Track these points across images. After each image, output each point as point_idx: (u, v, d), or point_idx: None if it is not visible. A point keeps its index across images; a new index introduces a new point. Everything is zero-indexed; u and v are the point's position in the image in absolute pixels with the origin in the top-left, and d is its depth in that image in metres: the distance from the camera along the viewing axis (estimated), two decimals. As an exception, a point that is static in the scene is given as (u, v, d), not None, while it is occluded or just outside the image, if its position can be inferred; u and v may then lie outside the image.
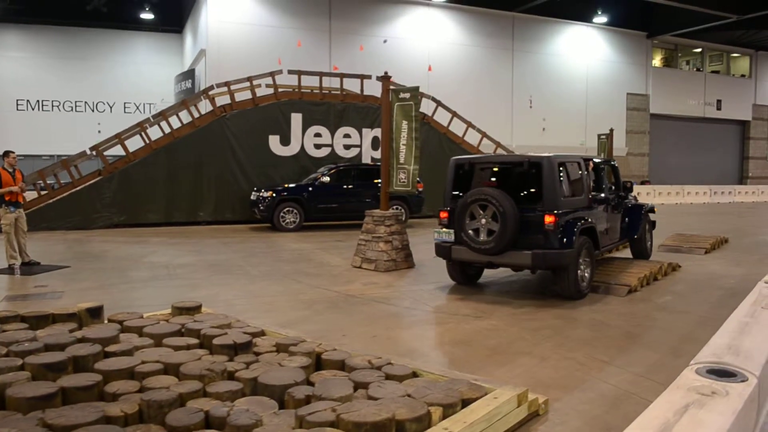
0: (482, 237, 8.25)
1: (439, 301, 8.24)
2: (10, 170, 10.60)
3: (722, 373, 2.15)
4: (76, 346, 4.66)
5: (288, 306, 7.92)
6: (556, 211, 8.04)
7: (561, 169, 8.43)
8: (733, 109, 37.67)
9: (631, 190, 11.04)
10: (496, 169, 8.99)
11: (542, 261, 8.11)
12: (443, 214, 8.93)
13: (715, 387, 2.01)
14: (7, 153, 10.85)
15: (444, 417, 3.76)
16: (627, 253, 11.78)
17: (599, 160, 10.22)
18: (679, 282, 9.76)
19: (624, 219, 10.66)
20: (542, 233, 8.05)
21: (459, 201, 8.54)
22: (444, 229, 8.84)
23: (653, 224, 11.76)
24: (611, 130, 24.28)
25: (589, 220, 8.72)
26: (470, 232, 8.35)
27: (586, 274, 8.56)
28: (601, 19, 30.97)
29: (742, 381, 2.09)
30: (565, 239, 8.10)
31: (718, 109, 36.96)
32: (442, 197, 9.10)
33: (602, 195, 9.66)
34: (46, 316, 5.56)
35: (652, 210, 11.49)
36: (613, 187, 10.45)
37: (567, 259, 8.06)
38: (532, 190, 8.35)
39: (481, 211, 8.25)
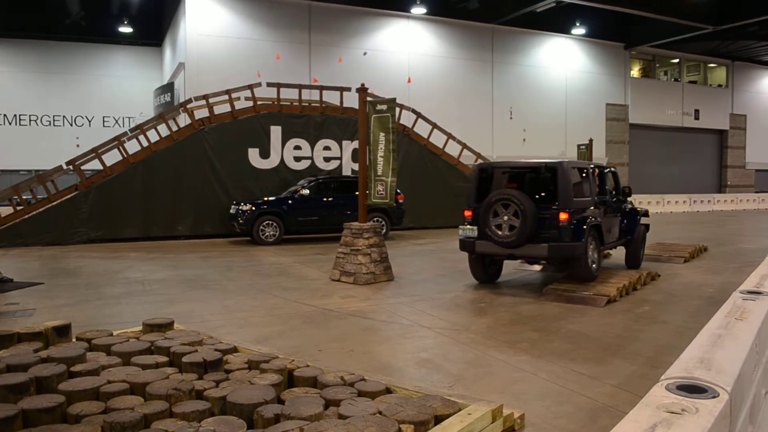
0: (505, 232, 9.34)
1: (417, 315, 8.16)
2: None
3: (693, 389, 2.08)
4: (40, 367, 4.52)
5: (264, 321, 7.80)
6: (568, 209, 9.19)
7: (573, 173, 9.58)
8: (710, 119, 38.09)
9: (629, 194, 11.81)
10: (515, 172, 10.14)
11: (557, 252, 9.30)
12: (467, 213, 9.99)
13: (684, 404, 1.94)
14: None
15: (416, 435, 3.67)
16: (611, 261, 11.77)
17: (603, 167, 11.28)
18: (658, 291, 9.75)
19: (623, 221, 11.52)
20: (557, 228, 9.19)
21: (483, 201, 9.63)
22: (468, 226, 9.91)
23: (647, 227, 12.33)
24: (591, 140, 24.39)
25: (596, 218, 9.86)
26: (494, 227, 9.42)
27: (595, 257, 9.82)
28: (579, 30, 31.21)
29: (713, 397, 2.02)
30: (576, 234, 9.29)
31: (696, 118, 37.35)
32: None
33: (605, 197, 10.71)
34: (10, 335, 5.39)
35: (645, 214, 12.15)
36: (614, 191, 11.35)
37: (578, 250, 9.26)
38: (548, 191, 9.51)
39: (504, 210, 9.34)
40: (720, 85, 39.59)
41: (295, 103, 19.45)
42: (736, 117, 39.57)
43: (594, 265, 9.71)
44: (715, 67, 39.44)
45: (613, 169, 11.65)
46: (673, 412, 1.87)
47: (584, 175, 10.12)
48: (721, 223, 24.62)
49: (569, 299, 8.93)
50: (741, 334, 2.81)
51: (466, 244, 9.95)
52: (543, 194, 9.53)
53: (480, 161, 21.93)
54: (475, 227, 9.78)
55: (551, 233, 9.20)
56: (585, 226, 9.36)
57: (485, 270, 10.45)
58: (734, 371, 2.28)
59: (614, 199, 11.16)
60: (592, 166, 10.65)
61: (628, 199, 11.93)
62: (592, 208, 9.91)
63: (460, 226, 10.08)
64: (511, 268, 12.10)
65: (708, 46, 35.72)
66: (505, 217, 9.33)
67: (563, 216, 9.14)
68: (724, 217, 28.26)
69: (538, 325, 7.56)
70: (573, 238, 9.23)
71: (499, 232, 9.35)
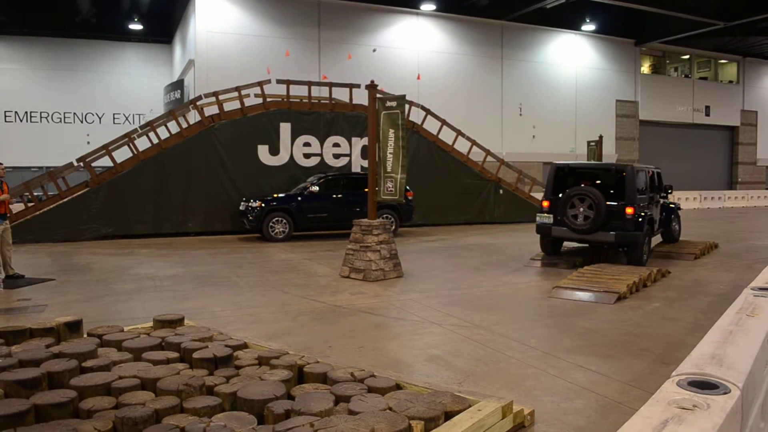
0: (580, 221, 11.38)
1: (426, 311, 8.16)
2: None
3: (704, 385, 2.07)
4: (52, 362, 4.56)
5: (273, 317, 7.82)
6: (634, 205, 11.21)
7: (637, 174, 11.61)
8: (721, 115, 37.80)
9: (671, 192, 14.21)
10: (588, 172, 12.49)
11: (623, 239, 11.27)
12: (545, 203, 12.11)
13: (696, 400, 1.93)
14: None
15: (426, 431, 3.67)
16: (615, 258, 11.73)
17: (653, 168, 13.34)
18: (668, 288, 9.72)
19: (662, 213, 13.96)
20: (623, 219, 11.20)
21: (558, 194, 11.80)
22: (545, 215, 11.97)
23: (679, 218, 15.05)
24: (600, 137, 24.28)
25: (650, 212, 11.92)
26: (570, 216, 11.44)
27: (646, 249, 11.79)
28: (589, 27, 31.05)
29: (725, 393, 2.01)
30: (638, 225, 11.27)
31: (707, 115, 37.07)
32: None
33: (656, 195, 13.00)
34: (23, 330, 5.44)
35: (678, 207, 15.08)
36: (658, 189, 13.47)
37: (640, 238, 11.26)
38: (616, 188, 11.60)
39: (580, 202, 11.38)
40: (731, 82, 39.29)
41: (304, 100, 19.44)
42: (747, 113, 39.26)
43: (645, 254, 11.64)
44: (726, 63, 39.13)
45: (659, 170, 13.69)
46: (684, 408, 1.86)
47: (645, 176, 12.20)
48: (732, 220, 24.48)
49: (579, 296, 8.92)
50: (752, 330, 2.80)
51: (542, 229, 12.03)
52: (611, 191, 11.57)
53: (489, 158, 21.91)
54: (551, 215, 11.83)
55: (618, 223, 11.20)
56: (645, 219, 11.37)
57: (553, 247, 12.55)
58: (746, 367, 2.27)
59: (659, 196, 13.45)
60: (648, 168, 12.78)
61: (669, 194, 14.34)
62: (647, 203, 11.93)
63: (538, 214, 12.20)
64: (519, 265, 12.11)
65: (719, 42, 35.41)
66: (581, 209, 11.36)
67: (629, 210, 11.16)
68: (734, 214, 28.10)
69: (547, 322, 7.55)
70: (636, 228, 11.20)
71: (576, 221, 11.38)
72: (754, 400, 2.34)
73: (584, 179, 12.11)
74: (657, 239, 14.49)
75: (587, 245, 13.14)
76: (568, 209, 11.46)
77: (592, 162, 12.16)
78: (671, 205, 14.64)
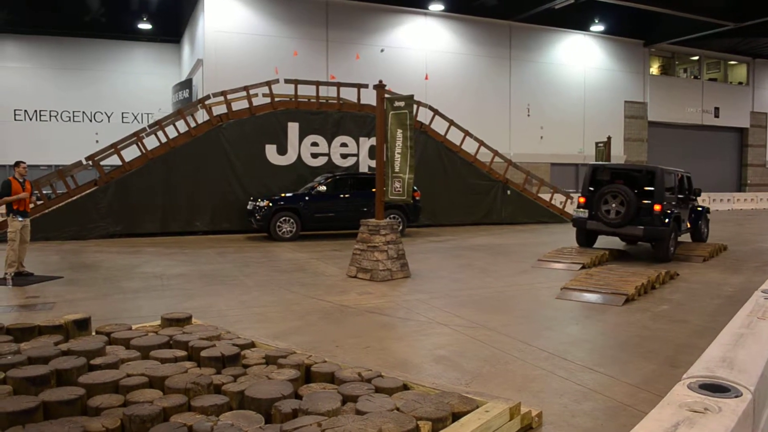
0: (612, 215, 12.55)
1: (433, 312, 8.15)
2: (21, 180, 10.65)
3: (715, 388, 2.06)
4: (60, 359, 4.57)
5: (281, 317, 7.83)
6: (661, 202, 12.23)
7: (665, 176, 12.70)
8: (731, 117, 37.57)
9: (699, 194, 14.93)
10: (621, 172, 13.55)
11: (650, 233, 12.40)
12: (581, 199, 13.28)
13: (707, 403, 1.92)
14: (17, 163, 10.97)
15: (433, 431, 3.67)
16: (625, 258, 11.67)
17: (683, 172, 14.37)
18: (676, 290, 9.67)
19: (691, 214, 14.87)
20: (651, 216, 12.24)
21: (594, 191, 12.97)
22: (581, 209, 13.22)
23: (707, 220, 15.98)
24: (609, 138, 24.21)
25: (677, 211, 12.90)
26: (604, 211, 12.64)
27: (673, 244, 12.78)
28: (598, 27, 30.93)
29: (736, 396, 2.00)
30: (665, 221, 12.29)
31: (716, 116, 36.85)
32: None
33: (682, 196, 13.87)
34: (31, 328, 5.46)
35: (708, 211, 16.08)
36: (688, 191, 14.41)
37: (666, 233, 12.36)
38: (646, 187, 12.63)
39: (613, 199, 12.55)
40: (740, 83, 39.05)
41: (312, 100, 19.46)
42: (756, 115, 39.02)
43: (672, 249, 12.65)
44: (736, 64, 38.89)
45: (689, 174, 14.63)
46: (695, 411, 1.85)
47: (672, 178, 13.31)
48: (741, 222, 24.35)
49: (587, 298, 8.89)
50: (763, 333, 2.78)
51: (578, 222, 13.34)
52: (643, 189, 12.58)
53: (497, 159, 21.89)
54: (587, 210, 13.04)
55: (646, 219, 12.24)
56: (672, 216, 12.37)
57: (587, 239, 13.75)
58: (757, 371, 2.26)
59: (688, 198, 14.29)
60: (678, 171, 13.89)
61: (698, 197, 15.16)
62: (674, 202, 12.95)
63: (574, 209, 13.71)
64: (526, 266, 12.09)
65: (729, 44, 35.19)
66: (613, 205, 12.49)
67: (657, 207, 12.18)
68: (743, 216, 27.96)
69: (554, 323, 7.53)
70: (663, 224, 12.23)
71: (608, 216, 12.53)
72: (766, 403, 2.32)
73: (618, 178, 13.14)
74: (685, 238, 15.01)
75: (621, 241, 14.45)
76: (601, 205, 12.62)
77: (626, 163, 13.11)
78: (699, 208, 15.51)
